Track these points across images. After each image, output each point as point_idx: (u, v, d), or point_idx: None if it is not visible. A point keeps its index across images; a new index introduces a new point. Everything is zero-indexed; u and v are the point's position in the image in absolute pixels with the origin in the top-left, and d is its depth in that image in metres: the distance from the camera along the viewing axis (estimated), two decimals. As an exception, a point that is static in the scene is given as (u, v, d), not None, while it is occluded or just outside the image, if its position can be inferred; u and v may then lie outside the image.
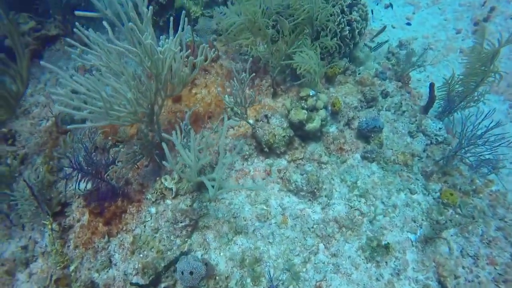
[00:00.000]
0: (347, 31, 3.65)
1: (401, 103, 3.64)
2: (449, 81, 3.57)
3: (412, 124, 3.49)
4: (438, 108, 3.80)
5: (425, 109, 3.89)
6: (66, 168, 2.59)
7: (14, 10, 5.63)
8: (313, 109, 2.87)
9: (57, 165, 3.20)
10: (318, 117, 2.81)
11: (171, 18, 2.60)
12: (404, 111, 3.62)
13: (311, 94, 2.84)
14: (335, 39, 3.30)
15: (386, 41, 4.49)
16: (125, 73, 2.35)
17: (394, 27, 5.09)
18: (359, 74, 3.83)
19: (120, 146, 3.15)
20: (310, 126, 2.77)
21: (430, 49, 4.75)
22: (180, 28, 2.49)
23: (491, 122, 2.81)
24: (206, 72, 3.61)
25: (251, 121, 2.91)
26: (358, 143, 3.12)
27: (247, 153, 2.85)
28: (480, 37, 3.36)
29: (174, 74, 2.64)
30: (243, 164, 2.86)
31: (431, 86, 3.75)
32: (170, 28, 2.55)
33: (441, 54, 4.66)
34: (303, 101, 2.85)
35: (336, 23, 3.55)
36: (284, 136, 2.76)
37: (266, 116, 2.84)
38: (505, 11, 4.66)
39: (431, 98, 3.82)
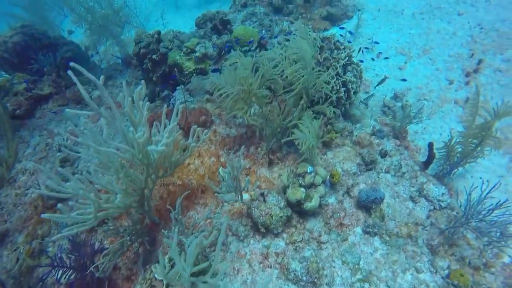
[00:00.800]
0: (343, 93, 3.62)
1: (401, 164, 3.54)
2: (448, 144, 3.50)
3: (413, 187, 3.37)
4: (439, 166, 3.70)
5: (425, 166, 3.80)
6: (46, 266, 2.40)
7: (13, 70, 5.63)
8: (311, 185, 2.75)
9: (39, 248, 3.00)
10: (317, 195, 2.68)
11: (165, 107, 2.53)
12: (404, 173, 3.51)
13: (308, 171, 2.73)
14: (331, 106, 3.24)
15: (372, 95, 4.49)
16: (113, 165, 2.23)
17: (387, 77, 5.11)
18: (355, 135, 3.76)
19: (109, 224, 2.98)
20: (308, 205, 2.63)
21: (424, 100, 4.74)
22: (173, 117, 2.41)
23: (499, 202, 2.69)
24: (199, 138, 3.51)
25: (246, 199, 2.76)
26: (358, 214, 2.98)
27: (242, 234, 2.69)
28: (473, 104, 3.34)
29: (165, 158, 2.53)
30: (238, 246, 2.69)
31: (430, 146, 3.68)
32: (163, 115, 2.46)
33: (436, 105, 4.64)
34: (301, 177, 2.73)
35: (331, 86, 3.53)
36: (281, 217, 2.61)
37: (262, 194, 2.71)
38: (492, 64, 4.70)
39: (431, 157, 3.73)
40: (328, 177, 2.98)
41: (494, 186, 2.69)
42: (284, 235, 2.72)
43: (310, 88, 3.06)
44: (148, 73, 5.51)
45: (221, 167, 3.12)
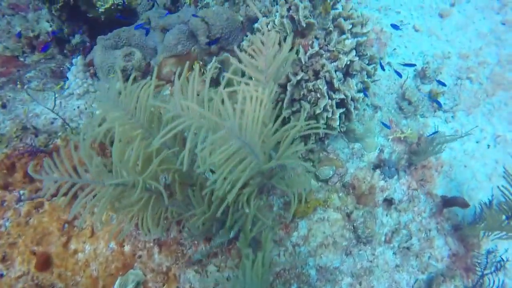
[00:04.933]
0: (337, 120, 2.07)
1: (411, 233, 2.34)
2: (488, 208, 2.22)
3: (422, 273, 2.28)
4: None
5: (445, 204, 2.63)
6: None
7: None
8: None
9: None
10: None
11: None
12: (412, 244, 2.35)
13: None
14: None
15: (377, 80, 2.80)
16: None
17: (417, 30, 3.25)
18: (350, 173, 2.39)
19: None
20: None
21: (467, 79, 3.08)
22: None
23: None
24: (96, 194, 2.15)
25: None
26: None
27: None
28: None
29: None
30: None
31: (461, 204, 2.40)
32: None
33: (483, 91, 3.03)
34: None
35: (317, 111, 1.96)
36: None
37: None
38: None
39: (455, 203, 2.52)
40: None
41: None
42: None
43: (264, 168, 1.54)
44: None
45: (119, 276, 1.91)
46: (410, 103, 2.83)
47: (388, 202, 2.44)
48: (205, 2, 2.67)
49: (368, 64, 2.11)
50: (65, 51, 3.45)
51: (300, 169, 1.87)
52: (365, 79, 2.07)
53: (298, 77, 1.92)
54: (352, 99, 2.03)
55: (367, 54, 2.07)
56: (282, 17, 1.99)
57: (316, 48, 1.91)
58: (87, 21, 3.35)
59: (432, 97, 2.98)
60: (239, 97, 1.25)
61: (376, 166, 2.51)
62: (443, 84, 2.58)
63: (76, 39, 3.47)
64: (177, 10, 2.94)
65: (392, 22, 3.28)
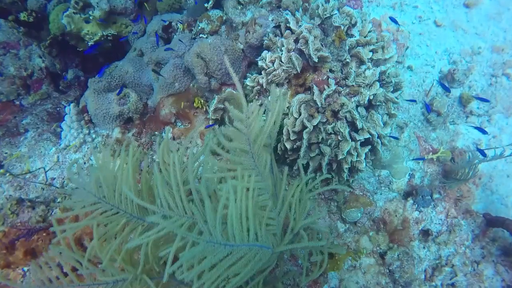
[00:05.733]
0: (363, 162, 1.81)
1: (455, 270, 2.09)
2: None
3: (471, 314, 2.06)
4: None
5: (488, 224, 2.36)
6: None
7: None
8: None
9: None
10: None
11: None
12: (457, 281, 2.11)
13: None
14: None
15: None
16: None
17: (439, 25, 2.88)
18: (380, 206, 2.14)
19: None
20: None
21: (504, 75, 2.72)
22: None
23: None
24: None
25: None
26: None
27: None
28: None
29: None
30: None
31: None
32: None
33: (523, 89, 2.68)
34: None
35: (340, 156, 1.71)
36: None
37: None
38: None
39: (503, 226, 2.25)
40: None
41: None
42: None
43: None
44: (33, 36, 3.35)
45: None
46: (439, 114, 2.53)
47: (425, 232, 2.20)
48: (199, 27, 2.39)
49: (393, 92, 1.82)
50: (60, 87, 3.27)
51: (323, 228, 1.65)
52: (392, 111, 1.79)
53: (315, 122, 1.66)
54: (379, 137, 1.76)
55: (391, 82, 1.78)
56: (289, 51, 1.71)
57: (333, 87, 1.63)
58: (78, 53, 3.14)
59: (463, 102, 2.66)
60: (223, 193, 1.04)
61: (407, 194, 2.25)
62: (486, 101, 2.26)
63: (70, 74, 3.29)
64: (170, 36, 2.68)
65: (410, 19, 2.94)
